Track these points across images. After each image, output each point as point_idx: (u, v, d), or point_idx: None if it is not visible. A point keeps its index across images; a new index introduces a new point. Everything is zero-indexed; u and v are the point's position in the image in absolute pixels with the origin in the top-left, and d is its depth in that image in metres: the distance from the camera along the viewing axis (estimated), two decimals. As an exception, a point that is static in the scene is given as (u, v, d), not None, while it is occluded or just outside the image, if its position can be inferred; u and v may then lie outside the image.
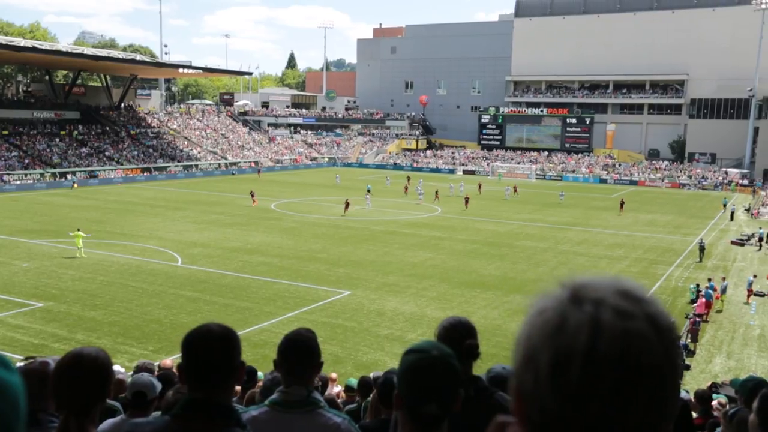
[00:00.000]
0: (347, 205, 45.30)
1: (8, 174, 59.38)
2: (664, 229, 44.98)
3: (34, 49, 67.09)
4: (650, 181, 77.97)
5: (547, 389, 0.91)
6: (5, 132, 66.98)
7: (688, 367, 18.63)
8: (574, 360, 0.89)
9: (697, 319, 22.05)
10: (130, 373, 7.76)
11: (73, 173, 63.46)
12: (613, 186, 76.23)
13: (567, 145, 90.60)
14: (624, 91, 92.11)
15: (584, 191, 68.75)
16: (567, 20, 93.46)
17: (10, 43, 66.61)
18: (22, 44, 68.39)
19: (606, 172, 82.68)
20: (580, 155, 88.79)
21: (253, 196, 50.53)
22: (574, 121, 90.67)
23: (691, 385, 16.88)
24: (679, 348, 0.97)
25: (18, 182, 58.96)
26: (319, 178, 70.17)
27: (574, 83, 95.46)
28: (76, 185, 60.29)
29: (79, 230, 32.13)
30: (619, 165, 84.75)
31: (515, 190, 60.65)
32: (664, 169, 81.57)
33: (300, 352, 2.82)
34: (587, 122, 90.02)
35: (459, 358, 2.07)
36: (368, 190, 55.40)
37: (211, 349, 2.18)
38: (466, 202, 51.16)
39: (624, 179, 79.34)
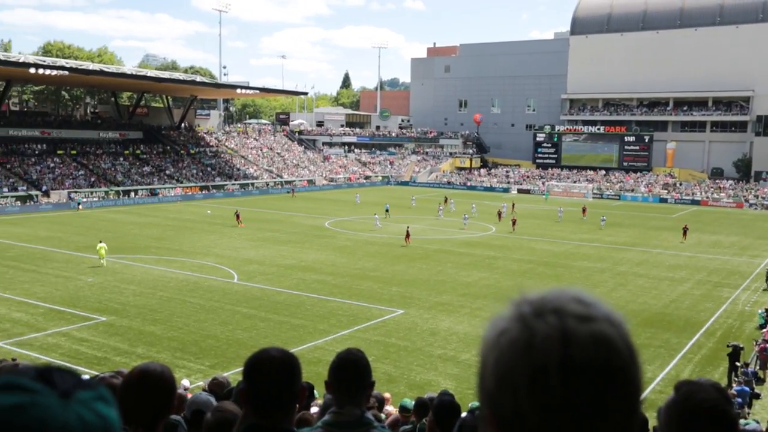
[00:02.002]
0: (408, 235, 42.07)
1: (75, 192, 61.85)
2: (729, 250, 43.32)
3: (101, 73, 70.12)
4: (714, 201, 75.36)
5: (529, 407, 0.90)
6: (74, 152, 69.93)
7: (758, 396, 17.77)
8: (551, 372, 0.89)
9: (767, 346, 21.05)
10: (201, 383, 7.90)
11: (71, 195, 63.03)
12: (673, 206, 74.03)
13: (625, 164, 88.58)
14: (685, 108, 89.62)
15: (643, 211, 66.98)
16: (625, 37, 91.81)
17: (79, 67, 69.83)
18: (90, 68, 71.60)
19: (666, 191, 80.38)
20: (638, 174, 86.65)
21: (238, 217, 49.06)
22: (632, 139, 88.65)
23: (761, 414, 16.10)
24: (635, 343, 0.97)
25: (85, 200, 61.31)
26: (373, 197, 70.52)
27: (632, 101, 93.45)
28: (81, 207, 58.48)
29: (101, 242, 34.12)
30: (680, 184, 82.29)
31: (584, 212, 57.89)
32: (729, 189, 78.75)
33: (352, 372, 2.81)
34: (646, 140, 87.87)
35: None
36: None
37: (273, 375, 2.21)
38: (514, 223, 49.25)
39: (685, 199, 76.93)
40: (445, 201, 63.48)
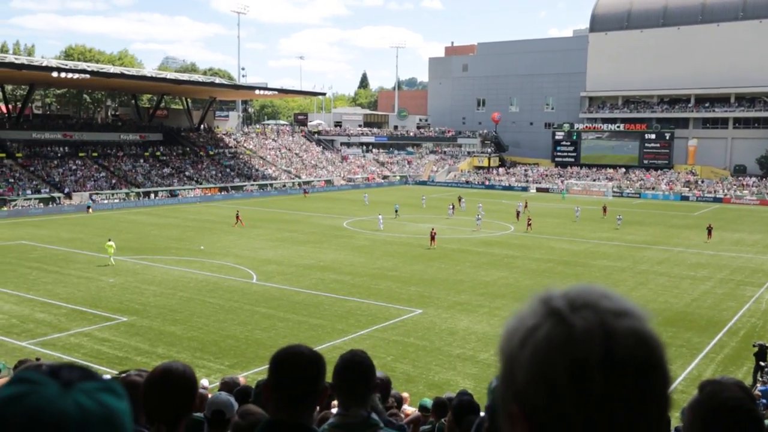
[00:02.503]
0: (433, 237, 40.46)
1: (97, 194, 62.58)
2: (753, 248, 42.69)
3: (122, 75, 70.90)
4: (737, 199, 74.35)
5: (568, 402, 0.89)
6: (95, 154, 70.77)
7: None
8: (592, 368, 0.88)
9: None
10: (215, 384, 7.97)
11: (89, 197, 61.09)
12: (695, 203, 73.15)
13: (645, 162, 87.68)
14: (707, 104, 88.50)
15: (664, 209, 66.27)
16: (645, 33, 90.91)
17: (100, 70, 70.67)
18: (111, 71, 72.44)
19: (688, 188, 79.46)
20: (659, 172, 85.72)
21: (238, 216, 49.11)
22: (652, 136, 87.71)
23: (785, 415, 15.82)
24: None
25: (106, 201, 62.00)
26: (391, 197, 70.48)
27: (652, 98, 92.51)
28: (91, 210, 58.16)
29: (110, 240, 35.13)
30: (702, 181, 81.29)
31: (604, 211, 56.99)
32: (752, 186, 77.63)
33: (357, 373, 2.81)
34: (667, 138, 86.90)
35: None
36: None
37: (300, 371, 2.23)
38: (528, 223, 48.44)
39: (707, 196, 75.99)
40: (459, 200, 63.02)
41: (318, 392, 2.25)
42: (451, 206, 57.69)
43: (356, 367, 2.82)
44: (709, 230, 45.81)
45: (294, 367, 2.22)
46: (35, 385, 0.89)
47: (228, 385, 7.10)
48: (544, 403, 0.91)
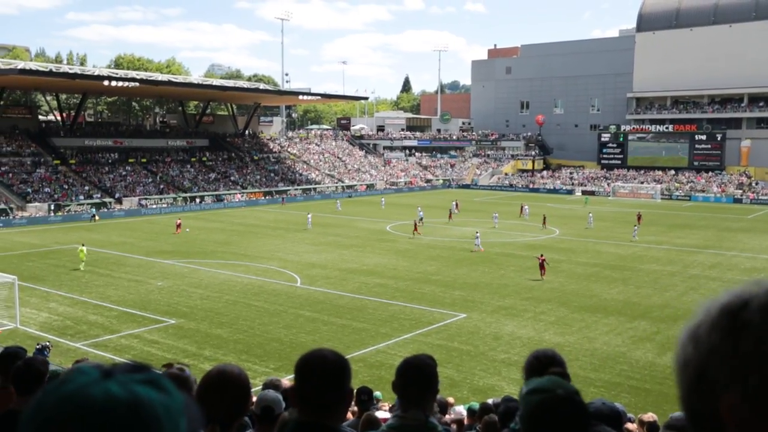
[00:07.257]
0: (542, 264, 32.88)
1: (146, 199, 64.13)
2: (811, 252, 41.08)
3: (170, 83, 72.63)
4: (793, 201, 71.71)
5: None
6: (144, 160, 72.57)
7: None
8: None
9: None
10: (258, 388, 8.07)
11: (92, 206, 59.00)
12: (749, 206, 70.83)
13: (696, 163, 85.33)
14: (761, 104, 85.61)
15: (716, 212, 64.37)
16: (695, 32, 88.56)
17: (149, 78, 72.49)
18: (159, 79, 74.26)
19: (741, 191, 77.01)
20: (710, 174, 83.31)
21: (179, 225, 48.45)
22: (703, 137, 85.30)
23: None
24: None
25: (154, 206, 63.49)
26: (434, 200, 70.25)
27: (703, 98, 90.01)
28: (97, 218, 56.34)
29: (83, 245, 36.17)
30: (756, 183, 78.66)
31: (639, 219, 51.28)
32: (809, 188, 74.79)
33: (418, 377, 2.80)
34: (718, 138, 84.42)
35: None
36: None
37: (324, 374, 2.23)
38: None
39: (762, 198, 73.50)
40: (457, 206, 61.57)
41: (343, 396, 2.26)
42: (451, 208, 57.97)
43: (417, 369, 2.80)
44: None
45: (318, 371, 2.23)
46: (79, 374, 0.94)
47: (267, 387, 7.18)
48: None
